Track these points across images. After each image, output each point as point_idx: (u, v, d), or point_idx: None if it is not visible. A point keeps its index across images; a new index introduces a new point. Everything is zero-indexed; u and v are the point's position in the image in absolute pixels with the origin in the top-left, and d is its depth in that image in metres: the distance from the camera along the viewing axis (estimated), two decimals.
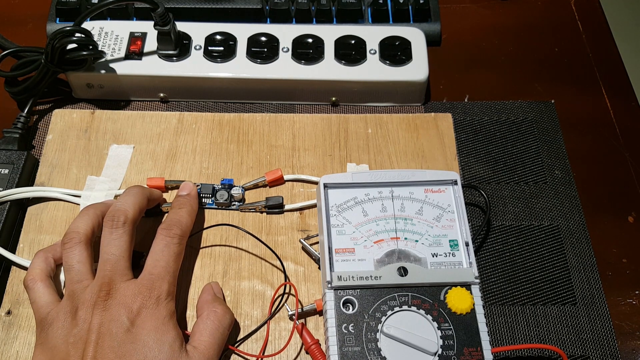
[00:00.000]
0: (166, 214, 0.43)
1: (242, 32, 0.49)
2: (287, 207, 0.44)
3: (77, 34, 0.45)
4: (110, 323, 0.33)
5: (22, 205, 0.44)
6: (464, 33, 0.55)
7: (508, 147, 0.48)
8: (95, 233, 0.38)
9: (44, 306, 0.35)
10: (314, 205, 0.44)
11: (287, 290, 0.41)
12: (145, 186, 0.42)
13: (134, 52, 0.48)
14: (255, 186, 0.45)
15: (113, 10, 0.52)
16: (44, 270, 0.37)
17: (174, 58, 0.48)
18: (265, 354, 0.38)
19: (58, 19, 0.53)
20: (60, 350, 0.33)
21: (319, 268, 0.41)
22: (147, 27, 0.50)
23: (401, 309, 0.36)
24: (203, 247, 0.42)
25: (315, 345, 0.37)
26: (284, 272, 0.41)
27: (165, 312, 0.34)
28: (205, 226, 0.43)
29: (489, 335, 0.35)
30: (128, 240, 0.36)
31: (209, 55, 0.48)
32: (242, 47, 0.49)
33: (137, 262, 0.40)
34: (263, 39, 0.49)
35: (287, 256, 0.42)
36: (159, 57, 0.48)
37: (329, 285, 0.36)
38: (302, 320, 0.39)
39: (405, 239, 0.39)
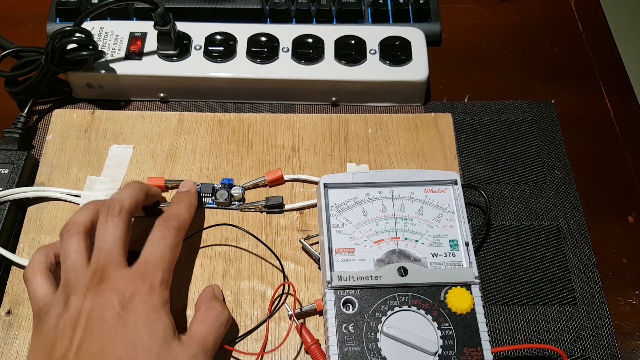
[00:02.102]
0: None
1: (242, 32, 0.49)
2: (287, 206, 0.44)
3: (77, 34, 0.45)
4: (101, 307, 0.32)
5: (22, 205, 0.44)
6: (464, 33, 0.55)
7: (508, 147, 0.48)
8: (95, 226, 0.37)
9: (41, 298, 0.35)
10: (314, 205, 0.44)
11: (286, 290, 0.41)
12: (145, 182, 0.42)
13: (134, 52, 0.48)
14: (255, 186, 0.45)
15: (113, 10, 0.52)
16: (43, 263, 0.36)
17: (174, 58, 0.48)
18: (265, 351, 0.38)
19: (58, 19, 0.53)
20: (51, 336, 0.32)
21: (319, 268, 0.41)
22: (147, 27, 0.50)
23: (401, 309, 0.36)
24: (203, 247, 0.42)
25: (315, 345, 0.37)
26: (283, 271, 0.41)
27: (158, 300, 0.34)
28: (205, 226, 0.43)
29: (489, 335, 0.35)
30: (123, 228, 0.36)
31: (209, 55, 0.48)
32: (242, 47, 0.49)
33: (133, 261, 0.40)
34: (263, 39, 0.49)
35: (287, 256, 0.42)
36: (159, 57, 0.48)
37: (329, 285, 0.36)
38: (302, 320, 0.39)
39: (405, 239, 0.39)
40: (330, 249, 0.38)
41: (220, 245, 0.42)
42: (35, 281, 0.35)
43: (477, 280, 0.37)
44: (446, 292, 0.36)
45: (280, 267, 0.41)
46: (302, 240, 0.42)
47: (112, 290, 0.33)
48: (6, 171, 0.44)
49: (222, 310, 0.36)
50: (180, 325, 0.36)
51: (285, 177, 0.45)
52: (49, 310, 0.34)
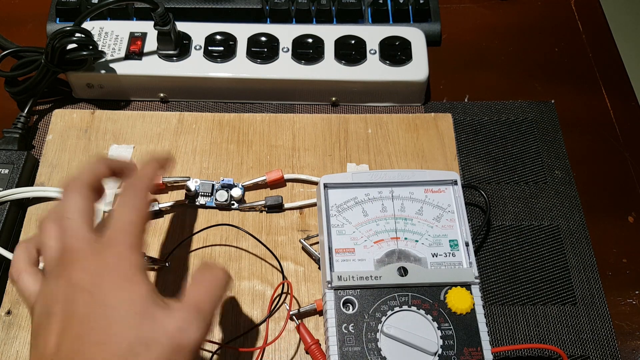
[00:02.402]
0: None
1: (242, 32, 0.49)
2: (286, 205, 0.44)
3: (77, 34, 0.45)
4: (72, 289, 0.30)
5: (22, 205, 0.44)
6: (464, 33, 0.55)
7: (508, 147, 0.48)
8: None
9: (31, 295, 0.33)
10: (314, 204, 0.44)
11: (286, 290, 0.41)
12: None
13: (134, 52, 0.48)
14: (256, 185, 0.45)
15: (113, 10, 0.52)
16: (25, 259, 0.35)
17: (174, 58, 0.48)
18: (265, 351, 0.38)
19: (58, 19, 0.53)
20: (34, 331, 0.31)
21: (319, 268, 0.41)
22: (147, 27, 0.50)
23: (401, 309, 0.36)
24: (203, 247, 0.42)
25: (315, 345, 0.37)
26: (282, 270, 0.41)
27: (127, 267, 0.31)
28: (205, 226, 0.43)
29: (489, 335, 0.35)
30: (81, 200, 0.33)
31: (209, 55, 0.48)
32: (242, 47, 0.49)
33: None
34: (263, 39, 0.49)
35: (287, 256, 0.42)
36: (159, 57, 0.48)
37: (329, 285, 0.36)
38: (301, 320, 0.39)
39: (405, 239, 0.39)
40: (330, 249, 0.38)
41: (220, 245, 0.42)
42: (22, 280, 0.34)
43: (477, 280, 0.37)
44: (446, 292, 0.36)
45: (279, 268, 0.41)
46: (302, 240, 0.42)
47: (81, 269, 0.31)
48: (6, 171, 0.44)
49: (220, 270, 0.33)
50: None
51: (285, 177, 0.45)
52: (36, 306, 0.32)
